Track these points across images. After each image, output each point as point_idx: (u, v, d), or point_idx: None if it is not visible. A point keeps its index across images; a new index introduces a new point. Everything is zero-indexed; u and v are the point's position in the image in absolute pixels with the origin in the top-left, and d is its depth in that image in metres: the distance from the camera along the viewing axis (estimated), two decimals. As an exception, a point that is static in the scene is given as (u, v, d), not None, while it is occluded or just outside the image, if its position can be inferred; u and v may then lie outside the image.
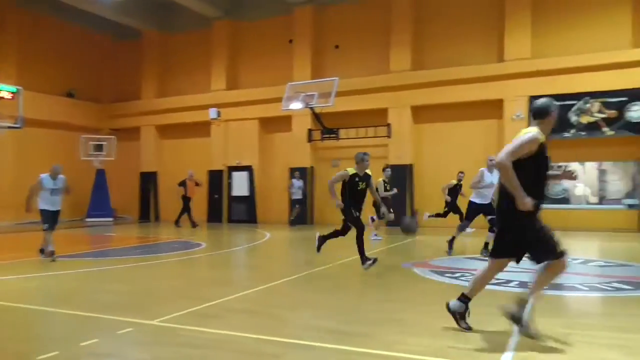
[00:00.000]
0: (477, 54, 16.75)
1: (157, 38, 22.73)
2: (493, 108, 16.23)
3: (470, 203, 9.75)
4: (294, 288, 6.94)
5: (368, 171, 8.23)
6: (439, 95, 16.76)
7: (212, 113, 20.13)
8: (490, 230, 9.51)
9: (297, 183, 17.98)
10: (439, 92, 16.74)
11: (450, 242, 10.14)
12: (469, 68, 16.39)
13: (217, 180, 20.72)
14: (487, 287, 6.56)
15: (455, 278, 7.35)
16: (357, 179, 7.99)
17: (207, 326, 4.79)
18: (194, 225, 17.24)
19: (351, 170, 8.05)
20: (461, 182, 12.95)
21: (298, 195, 18.04)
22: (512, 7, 16.15)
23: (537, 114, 4.42)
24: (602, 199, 15.57)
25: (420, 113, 17.42)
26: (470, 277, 7.29)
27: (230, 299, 6.02)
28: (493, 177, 9.42)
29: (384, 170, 13.07)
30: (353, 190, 7.96)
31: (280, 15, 19.92)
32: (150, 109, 22.39)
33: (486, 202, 9.54)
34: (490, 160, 9.47)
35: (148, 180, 22.61)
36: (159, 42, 22.77)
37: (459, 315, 4.57)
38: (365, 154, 8.11)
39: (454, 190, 13.02)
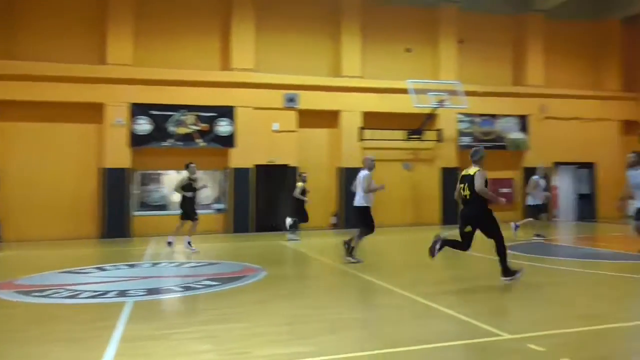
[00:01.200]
0: (78, 52, 15.62)
1: None
2: (93, 111, 15.51)
3: (368, 209, 9.00)
4: None
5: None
6: (31, 91, 14.84)
7: None
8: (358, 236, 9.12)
9: None
10: (30, 87, 14.79)
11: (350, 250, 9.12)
12: (68, 66, 15.11)
13: None
14: (78, 300, 6.14)
15: (46, 297, 6.53)
16: None
17: None
18: None
19: None
20: None
21: None
22: (115, 12, 15.83)
23: None
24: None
25: (7, 109, 15.01)
26: (65, 292, 6.66)
27: None
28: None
29: (187, 166, 11.79)
30: None
31: None
32: None
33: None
34: (372, 160, 9.12)
35: None
36: None
37: None
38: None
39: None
